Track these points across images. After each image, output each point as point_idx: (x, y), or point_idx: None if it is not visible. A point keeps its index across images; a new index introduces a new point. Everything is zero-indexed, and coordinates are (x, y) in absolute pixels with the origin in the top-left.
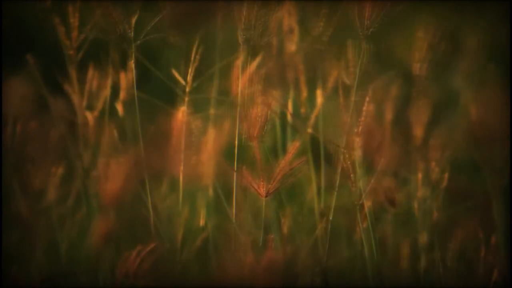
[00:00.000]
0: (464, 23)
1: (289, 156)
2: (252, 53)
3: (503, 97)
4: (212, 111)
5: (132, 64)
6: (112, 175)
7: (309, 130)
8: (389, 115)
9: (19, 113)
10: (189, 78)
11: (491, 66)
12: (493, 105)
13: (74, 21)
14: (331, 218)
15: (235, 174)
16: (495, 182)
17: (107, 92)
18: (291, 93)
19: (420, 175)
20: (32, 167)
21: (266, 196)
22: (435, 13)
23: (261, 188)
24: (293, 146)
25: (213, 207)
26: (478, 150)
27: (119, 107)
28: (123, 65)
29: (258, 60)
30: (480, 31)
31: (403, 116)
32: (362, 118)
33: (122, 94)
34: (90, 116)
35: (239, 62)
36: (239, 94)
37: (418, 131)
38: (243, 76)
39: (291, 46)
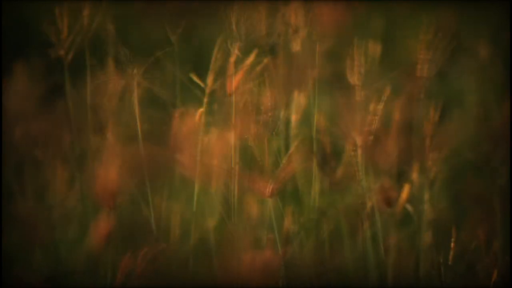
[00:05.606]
0: (466, 23)
1: (291, 156)
2: (259, 54)
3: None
4: (229, 113)
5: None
6: (113, 175)
7: (313, 130)
8: (393, 115)
9: (21, 113)
10: (210, 80)
11: (494, 65)
12: (494, 105)
13: (64, 22)
14: (333, 218)
15: (231, 173)
16: (495, 182)
17: (108, 92)
18: (296, 93)
19: (422, 175)
20: (33, 167)
21: (270, 196)
22: (437, 13)
23: (265, 188)
24: (294, 146)
25: (216, 207)
26: (480, 149)
27: (126, 107)
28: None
29: (263, 60)
30: (482, 31)
31: (406, 116)
32: (368, 118)
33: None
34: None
35: (247, 62)
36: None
37: (420, 131)
38: (249, 77)
39: (297, 46)
